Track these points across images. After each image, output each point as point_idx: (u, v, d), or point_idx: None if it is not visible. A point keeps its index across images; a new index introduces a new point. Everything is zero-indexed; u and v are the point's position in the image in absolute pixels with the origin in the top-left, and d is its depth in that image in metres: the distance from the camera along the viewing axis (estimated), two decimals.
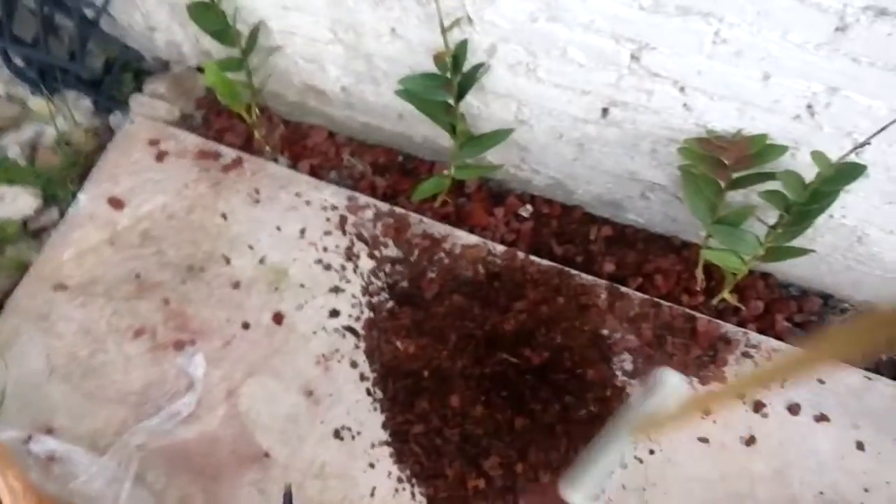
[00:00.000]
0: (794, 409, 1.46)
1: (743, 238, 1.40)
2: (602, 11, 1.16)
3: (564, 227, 1.70)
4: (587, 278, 1.59)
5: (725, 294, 1.55)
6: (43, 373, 1.53)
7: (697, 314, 1.55)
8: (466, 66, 1.39)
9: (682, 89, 1.25)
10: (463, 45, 1.36)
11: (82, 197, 1.71)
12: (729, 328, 1.54)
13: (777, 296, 1.61)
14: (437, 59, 1.41)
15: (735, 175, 1.32)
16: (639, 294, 1.58)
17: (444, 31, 1.32)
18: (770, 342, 1.52)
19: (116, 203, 1.70)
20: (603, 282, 1.60)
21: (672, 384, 1.23)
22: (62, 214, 1.72)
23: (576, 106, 1.39)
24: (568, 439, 1.39)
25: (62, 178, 1.77)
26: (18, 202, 1.73)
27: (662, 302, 1.57)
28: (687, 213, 1.51)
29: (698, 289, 1.60)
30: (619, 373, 1.51)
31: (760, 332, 1.54)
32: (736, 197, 1.40)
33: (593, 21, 1.18)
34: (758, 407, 1.47)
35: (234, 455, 1.45)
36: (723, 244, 1.43)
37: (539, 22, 1.24)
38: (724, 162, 1.31)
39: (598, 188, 1.61)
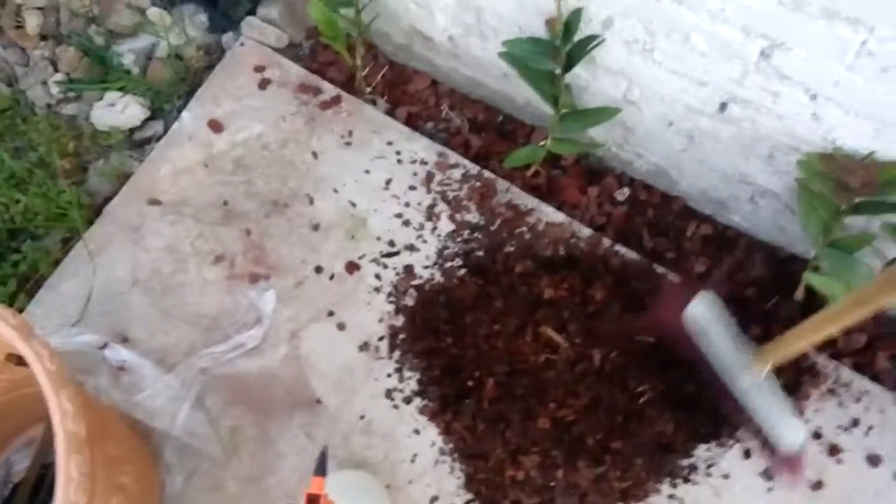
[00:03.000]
0: (874, 460, 1.33)
1: (854, 267, 1.25)
2: (735, 0, 1.02)
3: (661, 217, 1.58)
4: (673, 279, 1.49)
5: None
6: (127, 282, 1.59)
7: None
8: (578, 36, 1.28)
9: (813, 97, 1.10)
10: (577, 14, 1.25)
11: (186, 115, 1.74)
12: (819, 360, 1.40)
13: (884, 331, 1.44)
14: (549, 24, 1.31)
15: (858, 200, 1.17)
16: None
17: None
18: (863, 383, 1.38)
19: (216, 126, 1.72)
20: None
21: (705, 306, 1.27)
22: (166, 129, 1.76)
23: (691, 95, 1.26)
24: (602, 450, 1.34)
25: (170, 92, 1.81)
26: (128, 111, 1.78)
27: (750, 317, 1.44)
28: (798, 226, 1.37)
29: (795, 310, 1.46)
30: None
31: (856, 368, 1.40)
32: (856, 220, 1.25)
33: (723, 9, 1.05)
34: (833, 451, 1.34)
35: (289, 396, 1.48)
36: (831, 270, 1.29)
37: (664, 1, 1.11)
38: (847, 184, 1.16)
39: (704, 183, 1.47)
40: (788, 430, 1.25)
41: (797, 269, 1.46)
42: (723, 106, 1.24)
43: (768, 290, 1.48)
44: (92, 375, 1.48)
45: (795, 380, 1.39)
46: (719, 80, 1.19)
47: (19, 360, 1.11)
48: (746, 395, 1.26)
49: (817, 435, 1.37)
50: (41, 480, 1.40)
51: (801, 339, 1.15)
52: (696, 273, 1.51)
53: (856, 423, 1.36)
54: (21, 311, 1.57)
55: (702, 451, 1.37)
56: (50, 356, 1.01)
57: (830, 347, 1.43)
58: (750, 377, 1.24)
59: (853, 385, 1.38)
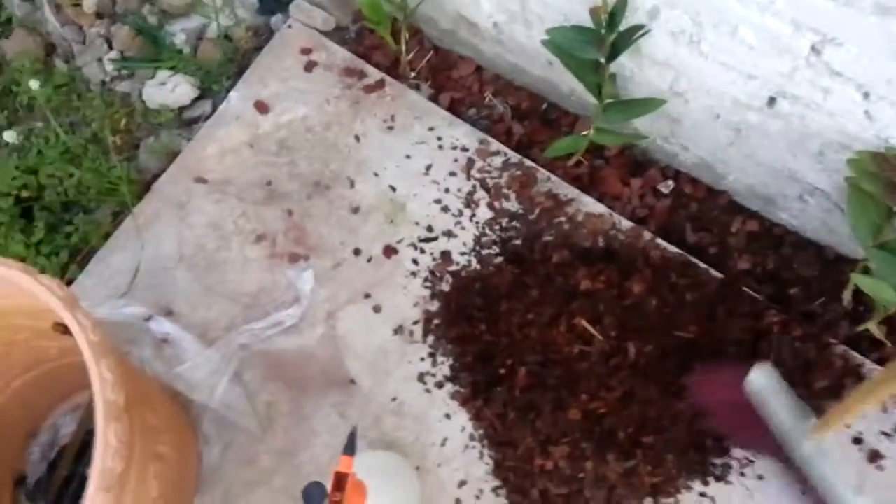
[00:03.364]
0: None
1: None
2: None
3: (705, 212, 1.55)
4: (715, 274, 1.46)
5: (871, 325, 1.36)
6: (173, 258, 1.64)
7: (832, 340, 1.39)
8: (624, 26, 1.26)
9: (865, 95, 1.06)
10: (622, 3, 1.23)
11: (233, 95, 1.77)
12: (866, 364, 1.36)
13: None
14: (593, 13, 1.29)
15: None
16: (768, 303, 1.42)
17: None
18: None
19: (262, 107, 1.75)
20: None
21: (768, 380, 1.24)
22: (214, 109, 1.79)
23: (739, 89, 1.23)
24: (633, 444, 1.34)
25: (219, 73, 1.84)
26: (178, 90, 1.82)
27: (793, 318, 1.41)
28: (848, 226, 1.33)
29: (841, 312, 1.42)
30: None
31: None
32: None
33: (773, 2, 1.02)
34: (874, 457, 1.31)
35: (324, 375, 1.50)
36: (880, 273, 1.25)
37: None
38: None
39: (752, 179, 1.44)
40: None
41: (846, 270, 1.42)
42: (771, 100, 1.21)
43: (814, 291, 1.45)
44: (136, 346, 1.53)
45: (839, 383, 1.35)
46: (768, 74, 1.15)
47: (65, 330, 1.15)
48: (807, 463, 1.22)
49: (858, 440, 1.33)
50: (86, 445, 1.46)
51: (861, 403, 1.10)
52: (739, 270, 1.48)
53: None
54: (72, 281, 1.63)
55: (737, 451, 1.35)
56: (93, 327, 1.04)
57: (876, 352, 1.39)
58: (810, 444, 1.21)
59: None
